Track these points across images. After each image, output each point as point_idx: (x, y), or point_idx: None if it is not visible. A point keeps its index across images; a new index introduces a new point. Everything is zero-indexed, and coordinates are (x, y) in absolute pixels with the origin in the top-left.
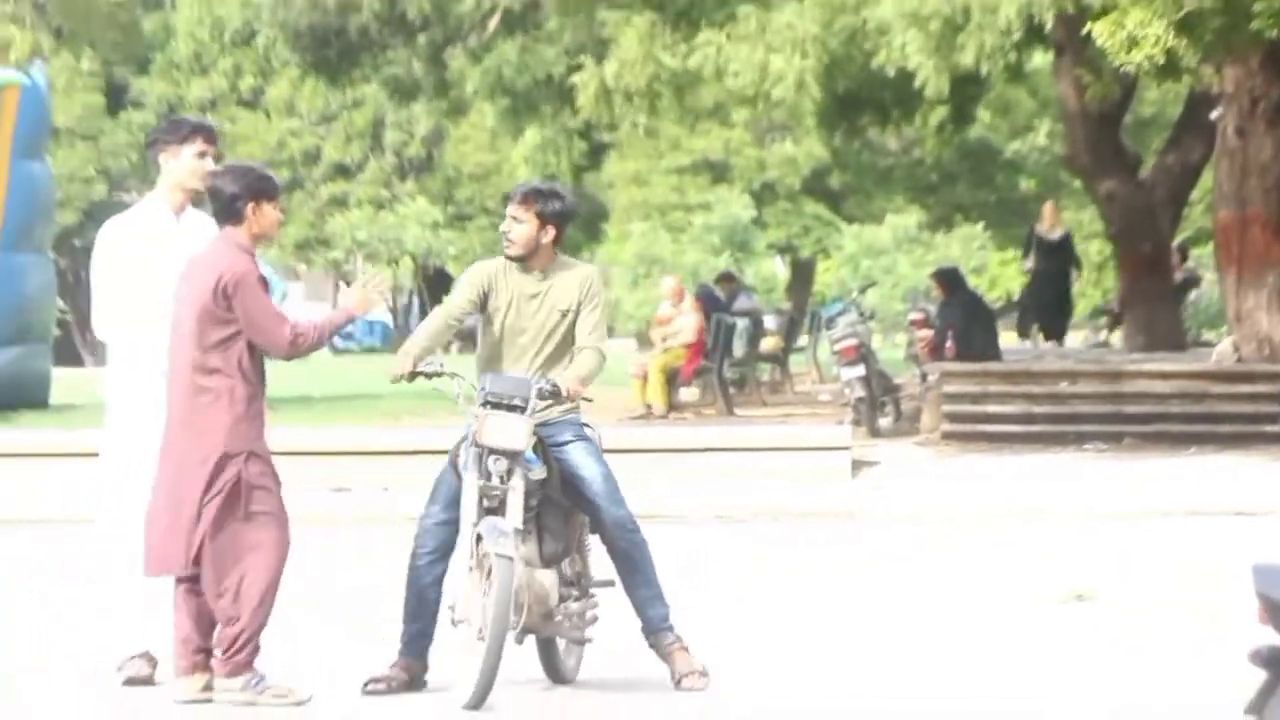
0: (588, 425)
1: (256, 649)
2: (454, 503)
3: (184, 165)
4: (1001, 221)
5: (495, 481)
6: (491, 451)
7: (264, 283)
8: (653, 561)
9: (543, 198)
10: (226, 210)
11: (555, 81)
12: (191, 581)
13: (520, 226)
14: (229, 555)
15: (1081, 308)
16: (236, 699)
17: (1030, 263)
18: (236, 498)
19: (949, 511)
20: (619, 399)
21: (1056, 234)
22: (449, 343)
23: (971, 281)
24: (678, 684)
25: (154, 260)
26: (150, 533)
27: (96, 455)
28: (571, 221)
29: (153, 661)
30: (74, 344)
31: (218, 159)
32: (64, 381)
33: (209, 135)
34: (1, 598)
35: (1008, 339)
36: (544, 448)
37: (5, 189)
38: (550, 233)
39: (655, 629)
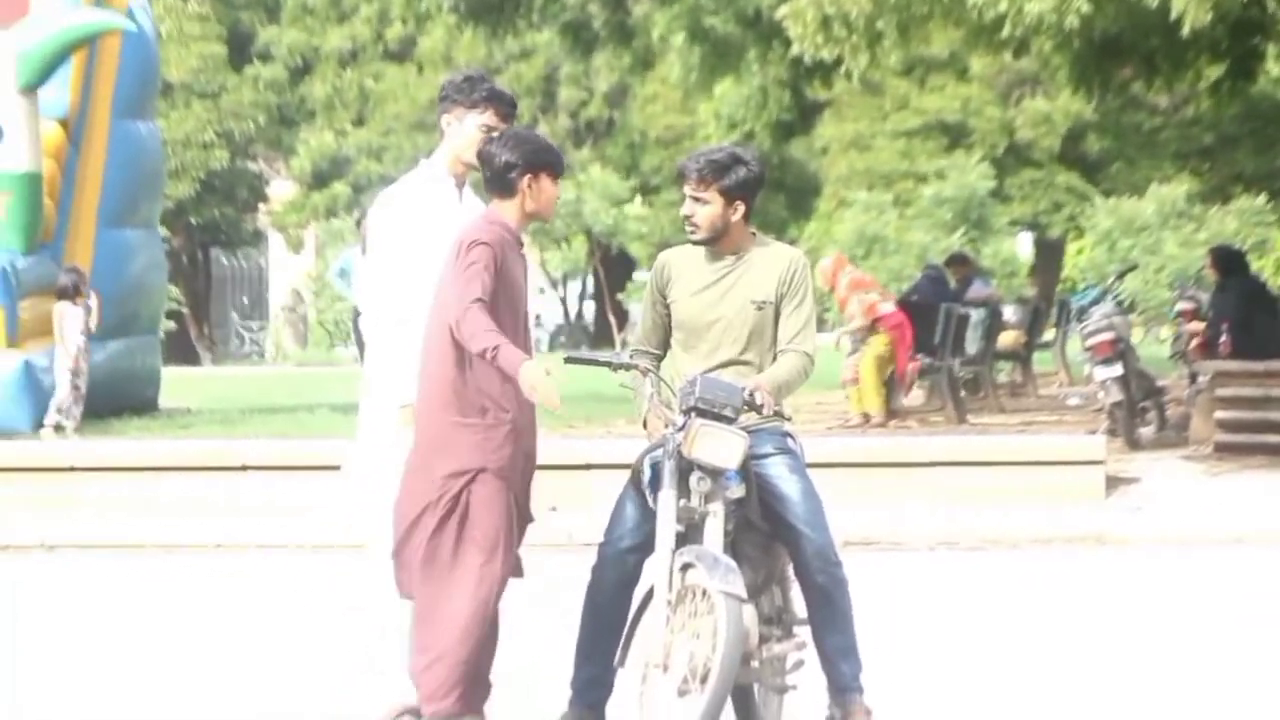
0: (790, 435)
1: (459, 691)
2: (639, 527)
3: (465, 134)
4: None
5: (695, 502)
6: (697, 467)
7: (505, 277)
8: (852, 605)
9: (722, 169)
10: (498, 181)
11: (763, 20)
12: None
13: (704, 208)
14: (432, 583)
15: None
16: None
17: None
18: (450, 519)
19: (1223, 538)
20: (830, 403)
21: None
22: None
23: (1253, 265)
24: None
25: (435, 247)
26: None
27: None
28: (760, 190)
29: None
30: (188, 339)
31: None
32: (176, 383)
33: (504, 108)
34: (272, 635)
35: None
36: (745, 462)
37: (104, 153)
38: (740, 208)
39: (844, 687)
